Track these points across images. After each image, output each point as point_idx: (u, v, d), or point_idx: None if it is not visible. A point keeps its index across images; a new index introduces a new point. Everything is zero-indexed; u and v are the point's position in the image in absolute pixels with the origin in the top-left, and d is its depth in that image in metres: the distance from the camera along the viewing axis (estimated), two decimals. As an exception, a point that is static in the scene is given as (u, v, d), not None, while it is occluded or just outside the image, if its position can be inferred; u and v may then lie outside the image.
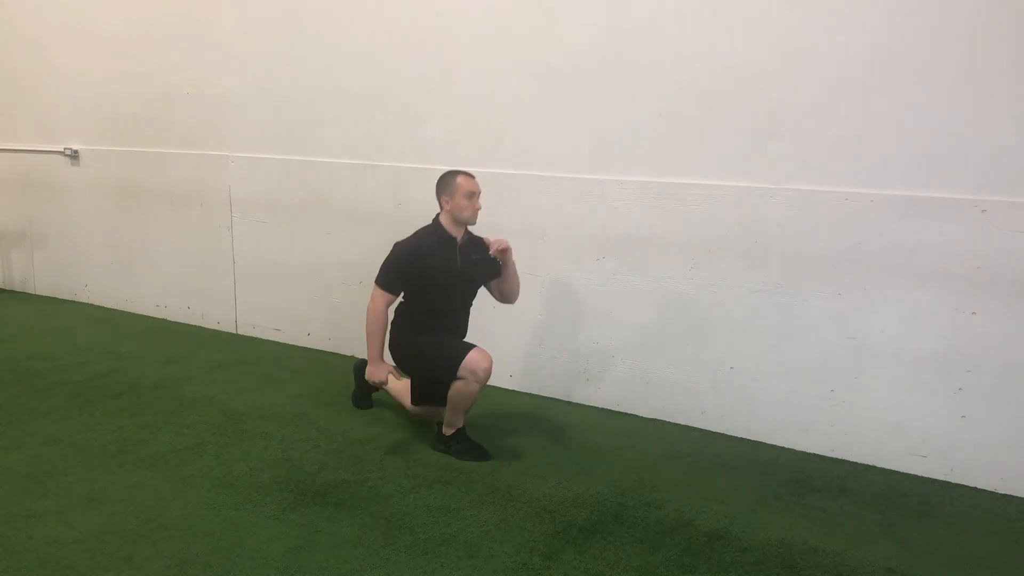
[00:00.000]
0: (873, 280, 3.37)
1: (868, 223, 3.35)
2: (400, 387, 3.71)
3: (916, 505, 3.12)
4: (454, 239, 3.43)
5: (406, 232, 3.53)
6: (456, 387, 3.31)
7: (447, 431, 3.44)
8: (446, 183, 3.41)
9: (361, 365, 3.79)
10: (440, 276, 3.39)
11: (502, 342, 4.19)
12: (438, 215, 3.46)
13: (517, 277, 3.55)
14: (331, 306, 4.90)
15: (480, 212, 3.45)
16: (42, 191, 6.16)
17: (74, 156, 5.91)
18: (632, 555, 2.70)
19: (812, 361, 3.54)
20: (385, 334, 3.43)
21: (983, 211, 3.14)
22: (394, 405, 3.93)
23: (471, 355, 3.26)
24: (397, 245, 3.45)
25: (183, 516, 2.90)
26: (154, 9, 5.32)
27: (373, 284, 3.42)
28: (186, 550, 2.68)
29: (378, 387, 3.65)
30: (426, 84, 4.37)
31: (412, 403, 3.61)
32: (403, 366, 3.56)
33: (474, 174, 3.47)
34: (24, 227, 6.35)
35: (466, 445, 3.43)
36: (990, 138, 3.12)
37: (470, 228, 3.51)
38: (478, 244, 3.51)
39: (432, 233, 3.43)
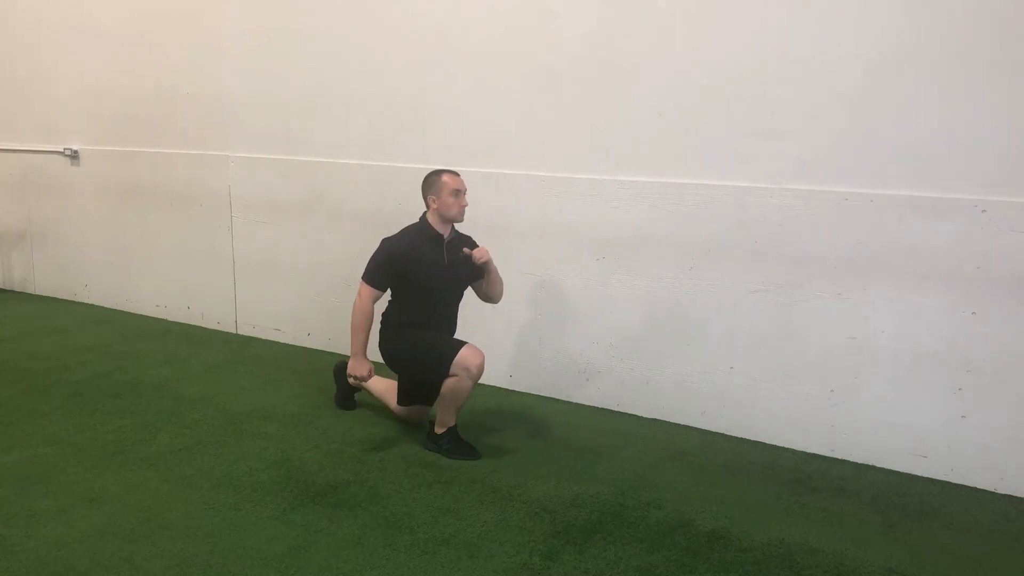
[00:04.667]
0: (873, 280, 3.37)
1: (868, 223, 3.35)
2: (383, 388, 3.75)
3: (916, 505, 3.12)
4: (441, 236, 3.46)
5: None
6: (449, 384, 3.33)
7: (439, 429, 3.45)
8: (431, 182, 3.45)
9: (342, 365, 3.79)
10: (428, 274, 3.42)
11: (502, 342, 4.19)
12: (425, 214, 3.49)
13: (500, 280, 3.58)
14: (331, 306, 4.90)
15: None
16: (42, 191, 6.16)
17: (74, 156, 5.91)
18: (632, 555, 2.70)
19: (812, 361, 3.53)
20: (369, 330, 3.43)
21: (983, 211, 3.14)
22: (379, 406, 3.93)
23: (463, 352, 3.28)
24: (385, 241, 3.47)
25: (183, 516, 2.90)
26: (154, 9, 5.32)
27: (361, 280, 3.44)
28: (186, 550, 2.68)
29: (360, 385, 3.67)
30: (426, 84, 4.37)
31: (398, 403, 3.66)
32: (393, 366, 3.57)
33: (459, 172, 3.51)
34: (24, 227, 6.35)
35: (456, 444, 3.44)
36: (990, 138, 3.12)
37: (457, 227, 3.54)
38: (466, 242, 3.54)
39: (420, 231, 3.46)
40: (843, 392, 3.49)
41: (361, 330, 3.40)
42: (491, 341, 3.68)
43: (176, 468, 3.29)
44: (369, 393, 3.87)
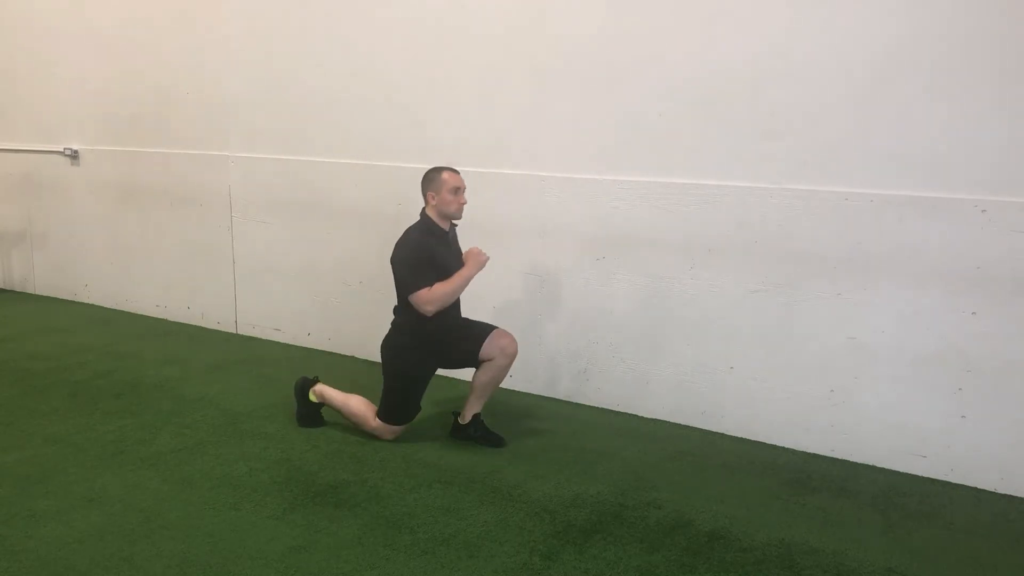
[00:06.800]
0: (873, 280, 3.37)
1: (868, 223, 3.35)
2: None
3: (916, 505, 3.12)
4: (445, 232, 3.49)
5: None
6: (365, 413, 3.58)
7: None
8: (431, 179, 3.45)
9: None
10: (447, 270, 3.41)
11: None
12: (424, 210, 3.49)
13: None
14: (331, 306, 4.90)
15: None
16: (42, 191, 6.16)
17: (74, 156, 5.91)
18: (632, 555, 2.70)
19: (812, 361, 3.53)
20: (451, 286, 3.36)
21: (983, 211, 3.14)
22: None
23: (387, 427, 3.55)
24: (404, 248, 3.41)
25: (183, 516, 2.90)
26: (154, 9, 5.32)
27: (411, 298, 3.35)
28: (186, 550, 2.68)
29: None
30: (426, 84, 4.37)
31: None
32: (385, 371, 3.55)
33: (459, 170, 3.50)
34: (24, 227, 6.35)
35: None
36: (990, 138, 3.12)
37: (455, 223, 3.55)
38: (455, 234, 3.60)
39: (427, 229, 3.45)
40: (843, 392, 3.49)
41: (454, 286, 3.36)
42: (491, 341, 3.69)
43: (176, 468, 3.29)
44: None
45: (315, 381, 3.77)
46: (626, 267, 3.91)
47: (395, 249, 3.44)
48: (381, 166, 4.59)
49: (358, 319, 4.78)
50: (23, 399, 4.04)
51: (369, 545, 2.73)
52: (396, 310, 3.54)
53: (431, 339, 3.47)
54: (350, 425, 3.71)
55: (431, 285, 3.34)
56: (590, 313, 4.04)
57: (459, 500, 3.06)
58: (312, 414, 3.76)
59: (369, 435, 3.62)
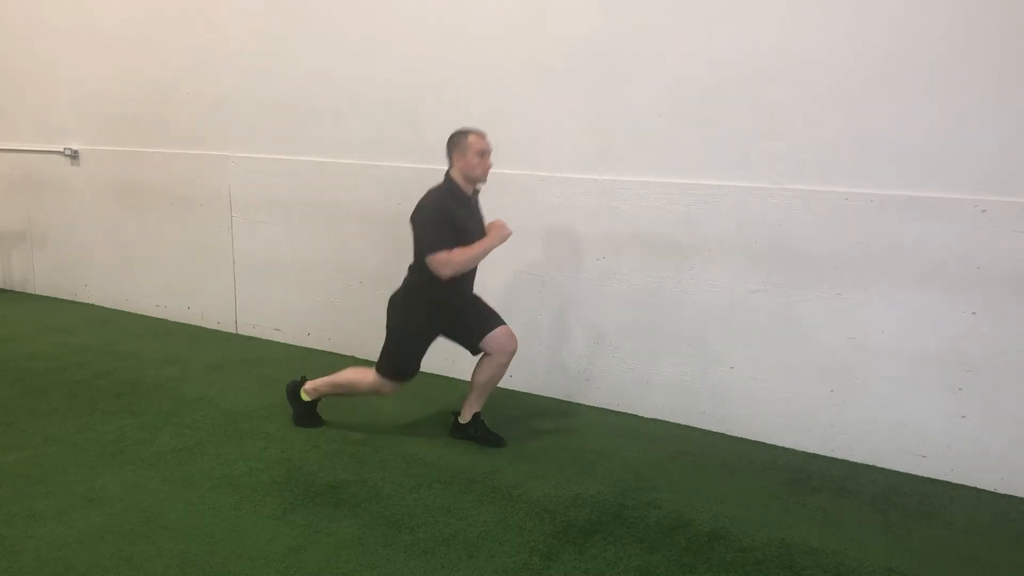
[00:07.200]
0: (873, 280, 3.37)
1: (868, 223, 3.35)
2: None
3: (916, 505, 3.12)
4: (468, 197, 3.42)
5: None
6: (358, 375, 3.54)
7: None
8: (457, 142, 3.36)
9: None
10: (467, 233, 3.35)
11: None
12: (448, 172, 3.40)
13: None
14: (331, 306, 4.90)
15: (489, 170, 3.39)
16: (42, 191, 6.16)
17: (74, 156, 5.91)
18: (632, 555, 2.70)
19: (812, 361, 3.54)
20: (470, 253, 3.28)
21: (983, 211, 3.14)
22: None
23: (385, 381, 3.47)
24: (426, 208, 3.30)
25: (183, 516, 2.90)
26: (154, 9, 5.32)
27: (429, 259, 3.25)
28: (186, 550, 2.68)
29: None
30: (426, 84, 4.37)
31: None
32: (389, 324, 3.48)
33: (485, 133, 3.41)
34: (24, 227, 6.35)
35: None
36: (990, 138, 3.12)
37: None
38: (478, 200, 3.54)
39: (449, 192, 3.36)
40: (843, 392, 3.49)
41: (473, 253, 3.27)
42: (491, 341, 3.69)
43: (176, 468, 3.29)
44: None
45: (303, 381, 3.77)
46: (626, 267, 3.91)
47: (416, 209, 3.33)
48: (381, 166, 4.59)
49: (358, 319, 4.78)
50: (23, 399, 4.04)
51: (369, 545, 2.73)
52: (411, 268, 3.45)
53: (444, 305, 3.42)
54: (349, 395, 3.64)
55: (451, 248, 3.26)
56: (590, 313, 4.04)
57: (459, 500, 3.06)
58: (309, 413, 3.75)
59: (370, 423, 3.62)
